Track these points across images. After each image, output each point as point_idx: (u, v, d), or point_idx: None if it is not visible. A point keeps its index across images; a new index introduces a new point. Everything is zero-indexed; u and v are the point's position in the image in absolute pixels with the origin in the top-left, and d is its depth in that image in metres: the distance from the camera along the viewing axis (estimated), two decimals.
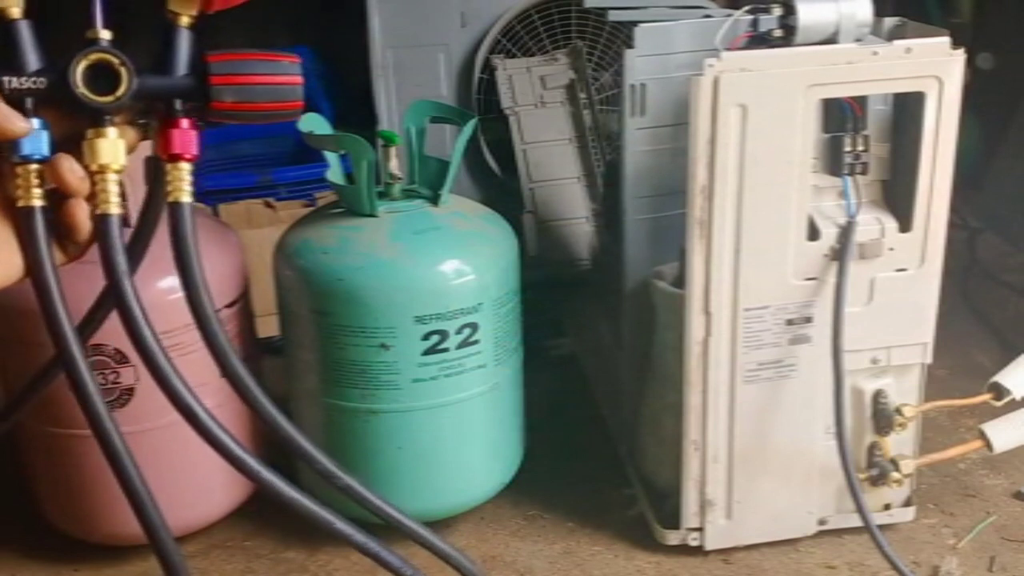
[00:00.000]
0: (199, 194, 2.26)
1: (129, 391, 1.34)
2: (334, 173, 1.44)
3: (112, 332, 1.33)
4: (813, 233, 1.33)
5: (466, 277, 1.36)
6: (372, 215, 1.39)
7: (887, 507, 1.48)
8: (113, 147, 0.68)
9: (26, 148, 0.66)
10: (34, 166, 0.67)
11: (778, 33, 1.28)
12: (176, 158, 0.69)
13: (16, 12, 0.65)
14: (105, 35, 0.66)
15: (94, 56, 0.66)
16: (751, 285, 1.32)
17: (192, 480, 1.43)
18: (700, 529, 1.44)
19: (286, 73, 0.69)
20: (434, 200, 1.43)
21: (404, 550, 1.48)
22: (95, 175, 0.68)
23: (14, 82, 0.65)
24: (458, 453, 1.44)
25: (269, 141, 2.26)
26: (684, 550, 1.45)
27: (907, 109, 1.33)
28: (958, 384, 1.76)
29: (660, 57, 1.42)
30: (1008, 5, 2.41)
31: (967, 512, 1.54)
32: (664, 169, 1.46)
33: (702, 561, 1.45)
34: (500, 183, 2.26)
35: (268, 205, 1.99)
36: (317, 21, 2.92)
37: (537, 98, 2.24)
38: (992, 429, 1.38)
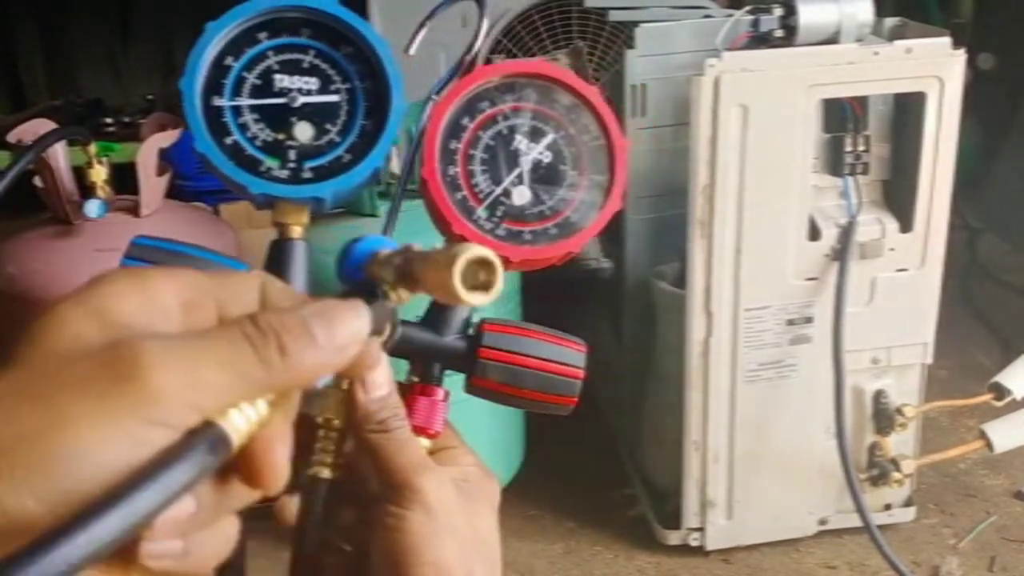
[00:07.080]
0: (199, 194, 2.23)
1: None
2: None
3: None
4: (814, 233, 1.33)
5: None
6: (373, 215, 1.39)
7: (887, 507, 1.48)
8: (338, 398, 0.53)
9: None
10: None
11: (779, 33, 1.28)
12: (416, 431, 0.55)
13: (298, 232, 0.57)
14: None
15: None
16: (752, 285, 1.32)
17: None
18: (701, 529, 1.44)
19: (567, 363, 0.58)
20: None
21: None
22: (318, 428, 0.54)
23: None
24: None
25: None
26: (685, 550, 1.45)
27: (908, 109, 1.33)
28: (959, 384, 1.76)
29: (661, 57, 1.42)
30: (1008, 5, 2.41)
31: (967, 512, 1.54)
32: (664, 169, 1.45)
33: (703, 561, 1.45)
34: None
35: None
36: None
37: None
38: (993, 429, 1.38)
